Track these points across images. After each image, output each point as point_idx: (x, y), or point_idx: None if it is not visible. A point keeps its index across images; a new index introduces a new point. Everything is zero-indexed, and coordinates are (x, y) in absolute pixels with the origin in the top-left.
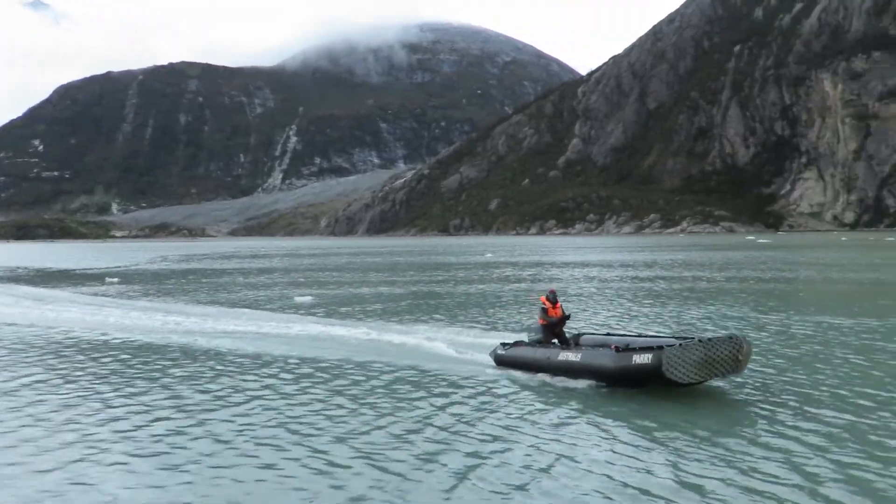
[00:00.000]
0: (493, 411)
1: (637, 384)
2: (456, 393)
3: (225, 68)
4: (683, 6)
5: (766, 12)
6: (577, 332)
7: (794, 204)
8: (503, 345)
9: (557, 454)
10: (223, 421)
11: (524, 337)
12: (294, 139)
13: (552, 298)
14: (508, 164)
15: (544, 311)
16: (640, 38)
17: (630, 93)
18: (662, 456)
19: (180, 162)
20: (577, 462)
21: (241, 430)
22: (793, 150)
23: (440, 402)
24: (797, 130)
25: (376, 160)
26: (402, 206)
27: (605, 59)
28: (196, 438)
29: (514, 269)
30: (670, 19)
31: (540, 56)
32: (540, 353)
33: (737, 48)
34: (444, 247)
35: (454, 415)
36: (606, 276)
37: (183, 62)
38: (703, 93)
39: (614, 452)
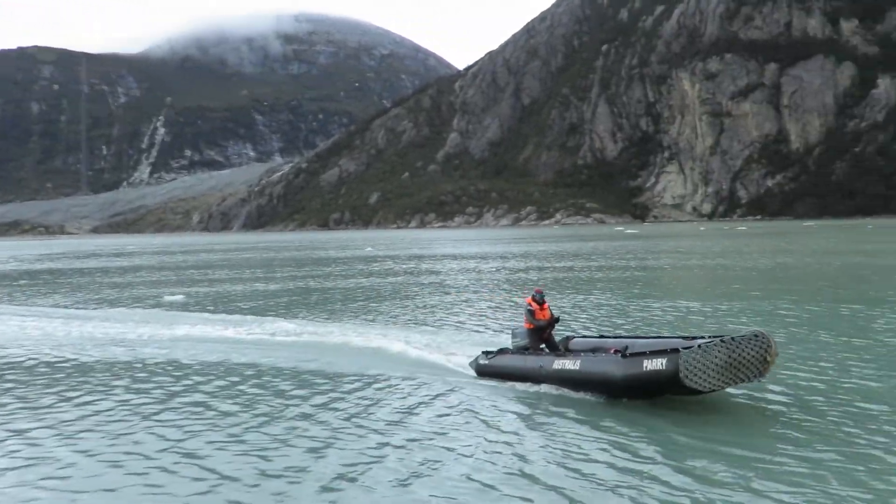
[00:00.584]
0: (479, 427)
1: (649, 394)
2: (434, 406)
3: (84, 54)
4: (554, 6)
5: (630, 14)
6: (564, 336)
7: (658, 196)
8: (486, 353)
9: (561, 476)
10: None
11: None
12: (162, 131)
13: (539, 299)
14: (388, 157)
15: (531, 312)
16: (514, 35)
17: (505, 88)
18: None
19: (34, 154)
20: (580, 484)
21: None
22: (656, 146)
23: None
24: (660, 126)
25: (251, 153)
26: (279, 200)
27: (481, 55)
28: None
29: (394, 262)
30: (542, 18)
31: (417, 50)
32: (531, 362)
33: (604, 47)
34: (323, 241)
35: (432, 432)
36: (483, 268)
37: (35, 46)
38: (573, 89)
39: (620, 475)
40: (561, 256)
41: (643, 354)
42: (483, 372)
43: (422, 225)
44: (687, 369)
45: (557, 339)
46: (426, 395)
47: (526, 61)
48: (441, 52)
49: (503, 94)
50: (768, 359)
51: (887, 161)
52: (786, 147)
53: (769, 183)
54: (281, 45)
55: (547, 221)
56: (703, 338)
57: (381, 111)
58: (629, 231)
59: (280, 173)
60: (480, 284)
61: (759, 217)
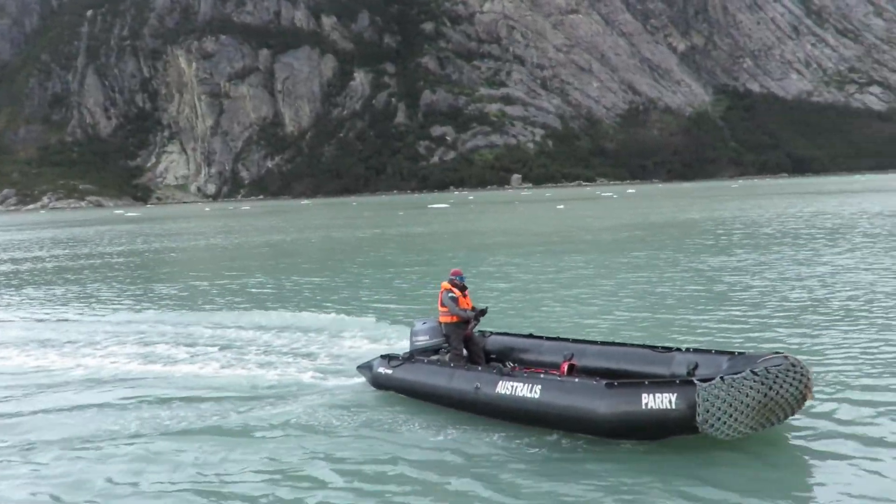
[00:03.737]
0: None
1: (645, 438)
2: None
3: None
4: None
5: None
6: (478, 332)
7: (160, 177)
8: (388, 358)
9: None
10: None
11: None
12: None
13: (459, 284)
14: None
15: (454, 301)
16: None
17: None
18: None
19: None
20: None
21: None
22: (155, 124)
23: None
24: (158, 104)
25: None
26: None
27: None
28: None
29: None
30: None
31: None
32: (460, 379)
33: (90, 13)
34: None
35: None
36: None
37: None
38: (55, 56)
39: None
40: (42, 245)
41: (640, 386)
42: (383, 384)
43: None
44: (708, 411)
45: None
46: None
47: None
48: None
49: None
50: (808, 395)
51: (365, 146)
52: (282, 130)
53: (269, 164)
54: None
55: (32, 206)
56: (679, 350)
57: None
58: (130, 214)
59: None
60: None
61: (261, 196)
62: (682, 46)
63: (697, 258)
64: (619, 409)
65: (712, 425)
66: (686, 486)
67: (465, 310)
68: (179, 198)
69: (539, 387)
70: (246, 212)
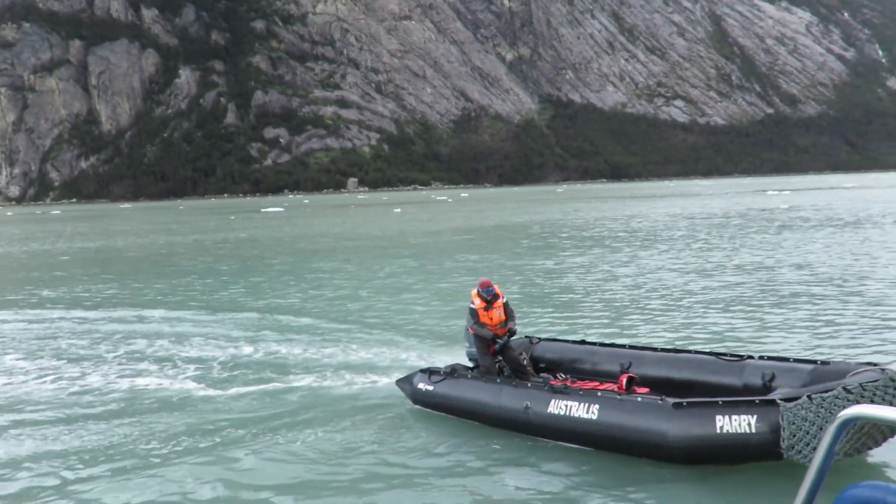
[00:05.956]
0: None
1: (720, 463)
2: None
3: None
4: None
5: None
6: (524, 337)
7: None
8: (428, 373)
9: None
10: None
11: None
12: None
13: (485, 294)
14: None
15: (472, 314)
16: None
17: None
18: None
19: None
20: None
21: None
22: None
23: None
24: None
25: None
26: None
27: None
28: None
29: None
30: None
31: None
32: (508, 396)
33: None
34: None
35: None
36: None
37: None
38: None
39: None
40: None
41: (713, 406)
42: (424, 401)
43: None
44: (794, 436)
45: (521, 339)
46: None
47: None
48: None
49: None
50: None
51: (192, 147)
52: (97, 128)
53: (83, 164)
54: None
55: None
56: (751, 357)
57: None
58: None
59: None
60: None
61: (74, 200)
62: (510, 56)
63: (522, 258)
64: (690, 432)
65: (799, 451)
66: None
67: (483, 326)
68: None
69: (597, 406)
70: (55, 216)
